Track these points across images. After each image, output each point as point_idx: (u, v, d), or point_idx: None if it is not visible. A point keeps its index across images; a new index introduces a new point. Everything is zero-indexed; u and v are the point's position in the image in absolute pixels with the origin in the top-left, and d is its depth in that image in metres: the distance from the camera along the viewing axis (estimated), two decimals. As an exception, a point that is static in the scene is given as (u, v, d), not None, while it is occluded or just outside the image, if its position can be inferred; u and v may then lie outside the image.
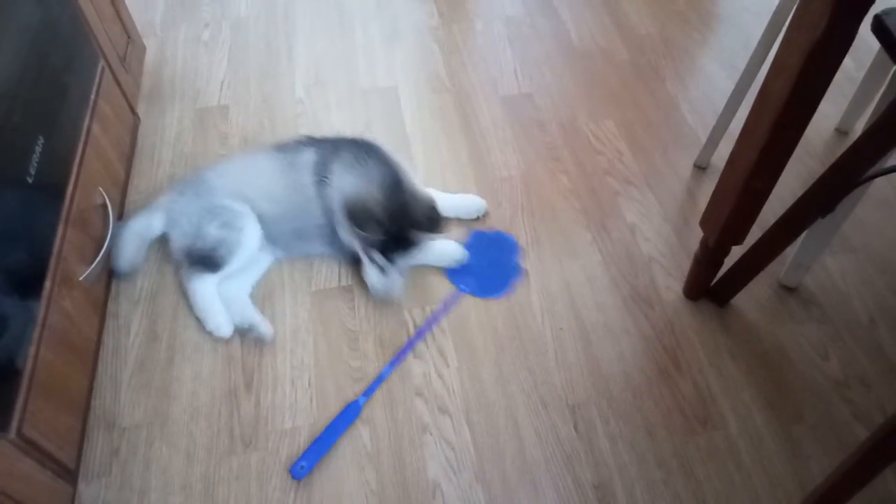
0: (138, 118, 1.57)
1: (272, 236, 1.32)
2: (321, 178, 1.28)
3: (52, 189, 1.07)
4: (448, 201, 1.42)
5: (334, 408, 1.17)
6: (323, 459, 1.11)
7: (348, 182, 1.25)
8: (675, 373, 1.23)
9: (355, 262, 1.32)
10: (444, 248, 1.34)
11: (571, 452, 1.13)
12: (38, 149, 1.01)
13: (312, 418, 1.16)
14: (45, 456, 0.92)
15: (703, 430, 1.16)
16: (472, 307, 1.31)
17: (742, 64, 1.43)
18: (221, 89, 1.72)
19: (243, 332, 1.25)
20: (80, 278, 1.09)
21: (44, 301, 0.97)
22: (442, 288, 1.35)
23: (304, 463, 1.09)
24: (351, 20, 1.94)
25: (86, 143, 1.19)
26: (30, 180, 0.98)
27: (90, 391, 1.14)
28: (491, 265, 1.38)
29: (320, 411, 1.17)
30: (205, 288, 1.25)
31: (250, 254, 1.28)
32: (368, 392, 1.19)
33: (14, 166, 0.96)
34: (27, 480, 0.87)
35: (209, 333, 1.24)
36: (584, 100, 1.74)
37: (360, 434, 1.14)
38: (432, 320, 1.29)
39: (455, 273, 1.36)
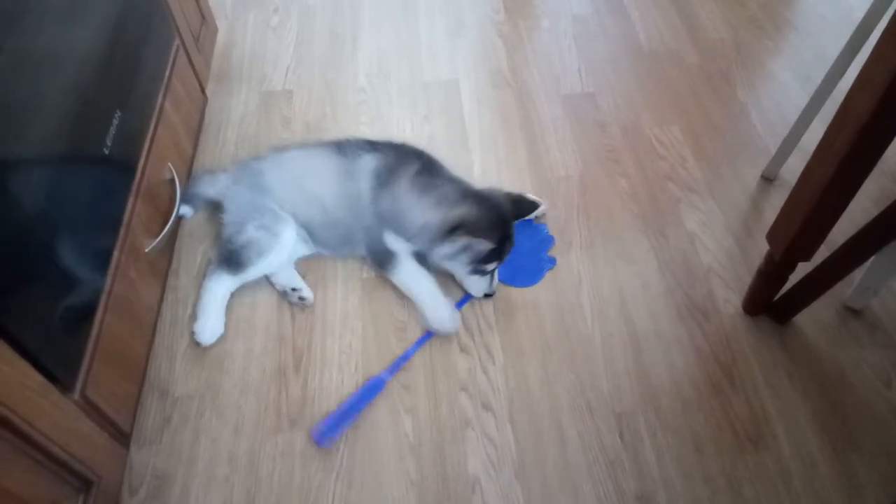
0: (207, 98, 1.61)
1: (318, 238, 1.32)
2: (380, 186, 1.26)
3: (125, 162, 1.10)
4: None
5: (380, 393, 1.18)
6: (365, 446, 1.12)
7: (422, 203, 1.23)
8: (728, 388, 1.20)
9: (380, 261, 1.30)
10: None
11: (615, 460, 1.12)
12: (115, 122, 1.04)
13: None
14: (104, 419, 0.96)
15: (754, 450, 1.13)
16: (520, 307, 1.31)
17: (816, 74, 1.38)
18: (287, 74, 1.75)
19: (287, 294, 1.28)
20: (146, 250, 1.13)
21: (112, 269, 1.00)
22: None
23: (324, 428, 1.12)
24: (416, 11, 1.95)
25: (158, 119, 1.23)
26: (106, 152, 1.02)
27: (147, 360, 1.17)
28: (522, 253, 1.36)
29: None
30: (217, 289, 1.25)
31: (277, 263, 1.28)
32: (393, 368, 1.20)
33: (93, 138, 1.00)
34: (87, 441, 0.90)
35: (192, 333, 1.22)
36: (648, 103, 1.70)
37: (403, 423, 1.15)
38: (460, 304, 1.30)
39: None
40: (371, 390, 1.17)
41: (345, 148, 1.33)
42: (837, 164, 0.96)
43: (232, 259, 1.25)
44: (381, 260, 1.30)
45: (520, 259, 1.36)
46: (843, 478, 1.10)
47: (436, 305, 1.25)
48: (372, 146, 1.32)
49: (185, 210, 1.37)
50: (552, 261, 1.38)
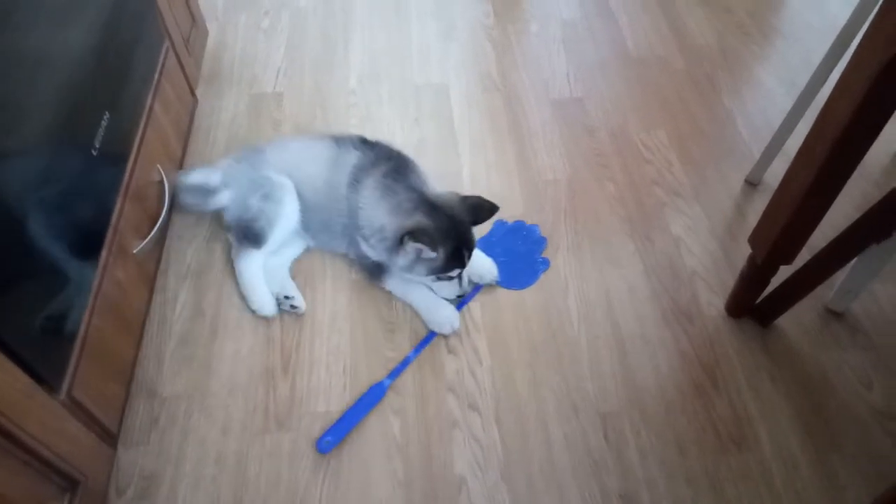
0: (196, 100, 1.61)
1: (305, 223, 1.34)
2: (354, 181, 1.29)
3: (113, 163, 1.11)
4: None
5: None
6: (353, 447, 1.13)
7: (378, 207, 1.25)
8: (711, 390, 1.22)
9: (370, 271, 1.32)
10: (479, 264, 1.33)
11: (600, 461, 1.13)
12: (103, 123, 1.04)
13: (345, 404, 1.18)
14: (91, 419, 0.96)
15: (737, 451, 1.15)
16: (508, 308, 1.32)
17: (802, 81, 1.40)
18: (277, 76, 1.76)
19: (279, 302, 1.29)
20: (134, 251, 1.13)
21: (99, 270, 1.00)
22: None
23: (329, 438, 1.12)
24: (407, 15, 1.96)
25: (147, 120, 1.23)
26: (94, 153, 1.02)
27: (135, 361, 1.17)
28: (515, 255, 1.39)
29: (353, 397, 1.19)
30: (250, 266, 1.29)
31: (290, 226, 1.31)
32: (393, 374, 1.21)
33: (81, 138, 1.00)
34: (74, 441, 0.90)
35: (253, 312, 1.27)
36: (636, 108, 1.72)
37: (391, 424, 1.16)
38: (460, 306, 1.31)
39: None
40: (373, 397, 1.17)
41: (342, 141, 1.36)
42: (817, 169, 0.98)
43: (249, 234, 1.29)
44: (371, 270, 1.32)
45: (514, 262, 1.38)
46: (825, 479, 1.12)
47: (433, 307, 1.27)
48: (363, 143, 1.35)
49: (186, 207, 1.38)
50: (546, 262, 1.39)
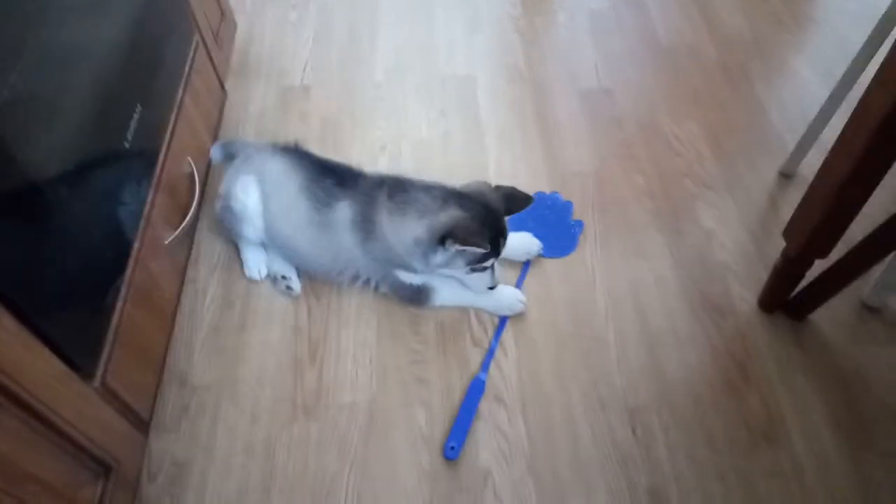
0: (226, 93, 1.63)
1: (310, 269, 1.32)
2: (365, 231, 1.20)
3: (145, 156, 1.13)
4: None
5: (394, 386, 1.19)
6: (379, 437, 1.13)
7: (406, 221, 1.17)
8: (742, 386, 1.20)
9: (411, 298, 1.28)
10: (521, 241, 1.34)
11: (627, 456, 1.12)
12: (135, 116, 1.06)
13: (371, 394, 1.19)
14: (124, 406, 0.98)
15: (768, 447, 1.13)
16: (533, 301, 1.31)
17: (837, 70, 1.36)
18: (305, 70, 1.77)
19: (276, 280, 1.31)
20: (166, 242, 1.15)
21: (132, 261, 1.02)
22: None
23: (453, 443, 1.12)
24: (433, 7, 1.95)
25: (178, 114, 1.24)
26: (126, 146, 1.04)
27: (166, 350, 1.19)
28: (548, 226, 1.40)
29: (379, 388, 1.19)
30: (241, 245, 1.35)
31: (252, 232, 1.30)
32: (485, 367, 1.21)
33: (114, 131, 1.02)
34: (107, 427, 0.92)
35: (248, 278, 1.33)
36: (665, 98, 1.69)
37: (417, 416, 1.16)
38: (519, 281, 1.33)
39: None
40: (477, 393, 1.18)
41: (315, 190, 1.23)
42: (855, 160, 0.95)
43: (229, 231, 1.34)
44: (412, 297, 1.28)
45: (549, 231, 1.39)
46: (858, 476, 1.09)
47: (496, 296, 1.27)
48: (343, 186, 1.23)
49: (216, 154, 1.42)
50: (580, 224, 1.41)
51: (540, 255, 1.36)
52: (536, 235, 1.37)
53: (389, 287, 1.28)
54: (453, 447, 1.12)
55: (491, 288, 1.25)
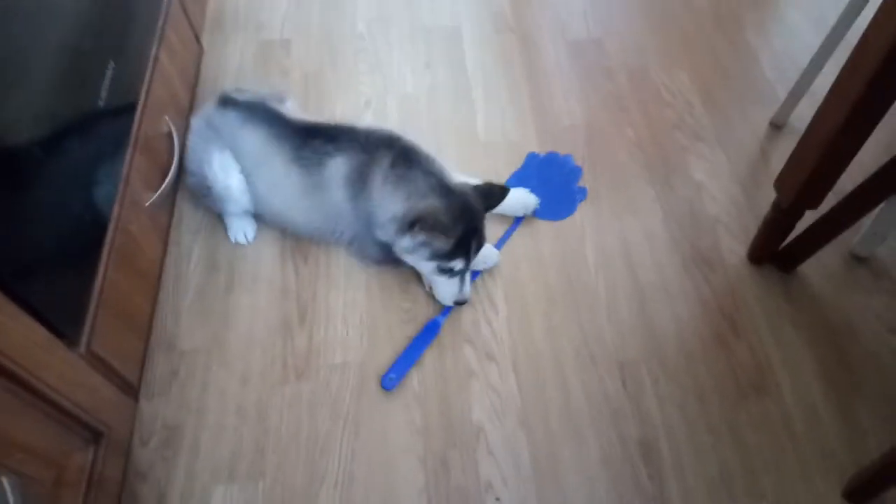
0: (202, 48, 1.57)
1: (304, 234, 1.30)
2: (356, 188, 1.17)
3: (121, 114, 1.08)
4: None
5: (385, 345, 1.19)
6: (371, 397, 1.13)
7: (394, 196, 1.15)
8: (731, 338, 1.20)
9: (383, 262, 1.26)
10: (520, 197, 1.32)
11: (618, 409, 1.13)
12: (108, 73, 1.01)
13: (362, 355, 1.18)
14: (111, 371, 0.97)
15: (757, 398, 1.14)
16: (524, 257, 1.30)
17: (830, 16, 1.33)
18: (284, 22, 1.70)
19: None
20: (146, 204, 1.12)
21: (112, 223, 0.99)
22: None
23: (393, 375, 1.14)
24: (417, -46, 1.88)
25: (153, 70, 1.20)
26: (101, 104, 0.99)
27: (152, 314, 1.18)
28: (552, 187, 1.38)
29: (370, 348, 1.19)
30: (224, 214, 1.31)
31: (241, 213, 1.29)
32: (445, 312, 1.22)
33: (87, 90, 0.97)
34: (95, 393, 0.91)
35: (234, 242, 1.30)
36: (656, 47, 1.66)
37: (409, 375, 1.16)
38: (499, 244, 1.31)
39: None
40: (429, 333, 1.19)
41: (305, 154, 1.19)
42: (851, 108, 0.93)
43: (210, 205, 1.29)
44: (380, 257, 1.25)
45: (551, 193, 1.36)
46: (847, 424, 1.11)
47: (442, 284, 1.21)
48: (335, 143, 1.18)
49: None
50: (583, 192, 1.38)
51: (533, 215, 1.34)
52: (536, 193, 1.35)
53: (358, 250, 1.27)
54: (392, 378, 1.14)
55: (458, 303, 1.19)
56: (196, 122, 1.28)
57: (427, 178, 1.15)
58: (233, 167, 1.23)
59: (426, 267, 1.18)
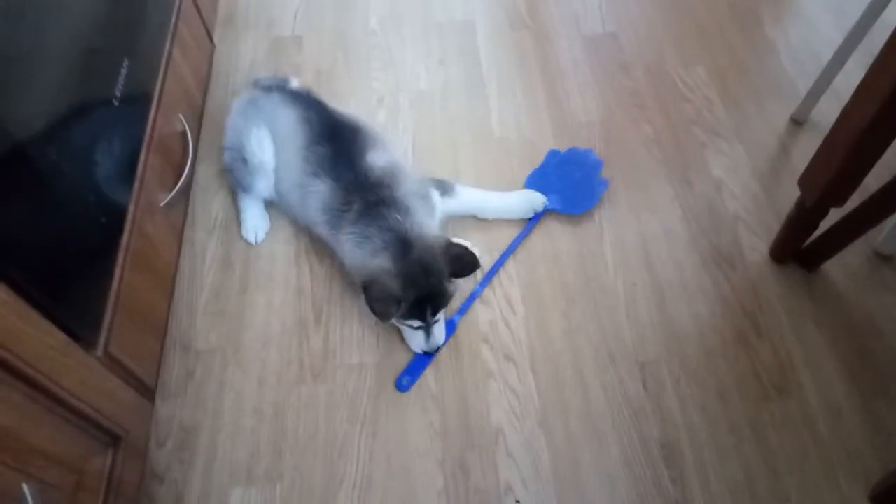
0: (214, 45, 1.55)
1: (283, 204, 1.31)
2: (331, 220, 1.17)
3: (135, 113, 1.07)
4: (498, 202, 1.30)
5: (400, 346, 1.17)
6: (389, 398, 1.12)
7: (356, 248, 1.13)
8: (753, 337, 1.18)
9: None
10: (525, 198, 1.30)
11: (639, 410, 1.11)
12: (123, 71, 1.00)
13: (379, 356, 1.17)
14: (129, 374, 0.96)
15: (780, 398, 1.12)
16: (541, 257, 1.28)
17: (850, 9, 1.31)
18: (295, 19, 1.69)
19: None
20: (161, 204, 1.11)
21: (128, 224, 0.98)
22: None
23: (407, 377, 1.14)
24: (428, -51, 1.85)
25: (167, 67, 1.18)
26: (115, 103, 0.98)
27: (168, 315, 1.17)
28: (573, 182, 1.36)
29: (386, 349, 1.17)
30: (245, 201, 1.31)
31: (265, 195, 1.29)
32: (462, 311, 1.20)
33: (101, 88, 0.96)
34: (113, 396, 0.90)
35: (244, 238, 1.30)
36: (673, 42, 1.63)
37: (426, 376, 1.15)
38: (517, 241, 1.29)
39: (538, 191, 1.34)
40: (446, 333, 1.17)
41: (310, 153, 1.20)
42: (879, 107, 0.91)
43: (238, 182, 1.30)
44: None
45: (572, 187, 1.35)
46: (871, 425, 1.09)
47: (410, 335, 1.16)
48: (334, 160, 1.18)
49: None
50: (605, 183, 1.36)
51: (554, 210, 1.33)
52: (558, 190, 1.33)
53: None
54: (406, 381, 1.13)
55: (427, 353, 1.14)
56: (238, 103, 1.33)
57: (387, 233, 1.10)
58: (269, 144, 1.26)
59: (396, 322, 1.13)
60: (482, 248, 1.27)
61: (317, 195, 1.18)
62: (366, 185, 1.16)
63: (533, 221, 1.32)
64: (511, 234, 1.30)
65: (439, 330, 1.13)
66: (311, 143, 1.21)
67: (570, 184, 1.36)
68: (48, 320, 0.76)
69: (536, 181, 1.37)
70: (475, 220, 1.31)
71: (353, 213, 1.14)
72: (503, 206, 1.31)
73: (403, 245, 1.09)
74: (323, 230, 1.21)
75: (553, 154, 1.41)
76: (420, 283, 1.07)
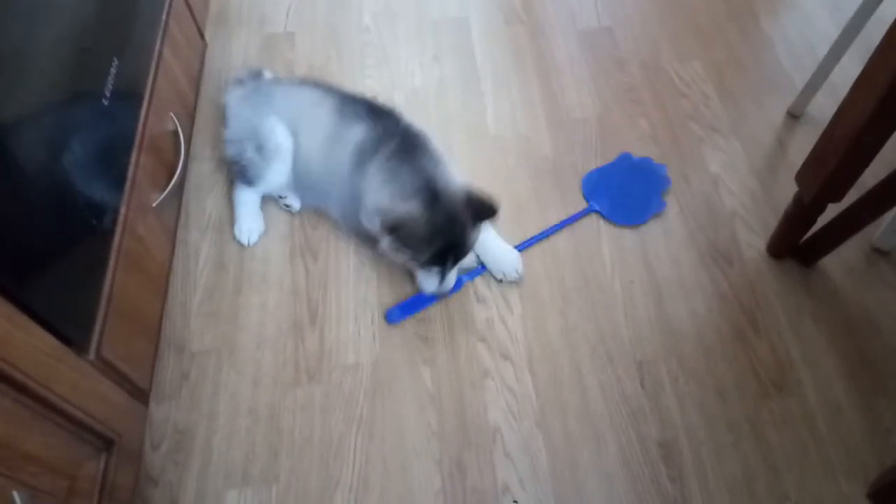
0: (206, 43, 1.54)
1: (296, 181, 1.29)
2: (359, 163, 1.18)
3: (126, 113, 1.06)
4: (492, 242, 1.24)
5: (398, 345, 1.17)
6: (385, 397, 1.11)
7: (383, 187, 1.13)
8: (751, 334, 1.18)
9: (369, 242, 1.23)
10: (503, 257, 1.24)
11: (637, 409, 1.11)
12: (112, 70, 0.99)
13: (375, 355, 1.16)
14: (122, 377, 0.95)
15: (778, 396, 1.12)
16: (538, 255, 1.27)
17: (845, 3, 1.30)
18: (288, 15, 1.67)
19: (276, 200, 1.32)
20: (154, 205, 1.10)
21: (119, 226, 0.97)
22: (571, 199, 1.34)
23: (398, 313, 1.19)
24: (422, -56, 1.84)
25: (157, 66, 1.17)
26: (105, 103, 0.97)
27: (161, 316, 1.15)
28: (630, 192, 1.34)
29: (382, 349, 1.17)
30: (243, 196, 1.29)
31: (277, 183, 1.27)
32: (473, 274, 1.24)
33: (91, 87, 0.95)
34: (105, 400, 0.89)
35: (236, 239, 1.28)
36: (669, 37, 1.62)
37: (422, 375, 1.14)
38: (553, 229, 1.29)
39: (591, 189, 1.34)
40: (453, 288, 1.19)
41: (347, 107, 1.23)
42: (877, 102, 0.90)
43: (243, 175, 1.27)
44: (366, 237, 1.23)
45: (629, 196, 1.33)
46: (870, 422, 1.09)
47: (424, 276, 1.17)
48: (368, 114, 1.22)
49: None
50: (662, 204, 1.33)
51: (599, 213, 1.32)
52: (613, 195, 1.33)
53: (348, 224, 1.27)
54: (395, 312, 1.18)
55: (435, 294, 1.17)
56: (233, 96, 1.34)
57: (418, 177, 1.12)
58: (283, 129, 1.25)
59: (409, 263, 1.16)
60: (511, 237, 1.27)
61: (350, 141, 1.19)
62: (404, 131, 1.20)
63: (572, 219, 1.31)
64: (540, 224, 1.31)
65: (453, 274, 1.15)
66: (346, 100, 1.25)
67: (627, 192, 1.33)
68: (39, 325, 0.75)
69: (596, 177, 1.36)
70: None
71: (387, 150, 1.16)
72: (493, 249, 1.24)
73: (433, 193, 1.10)
74: (345, 176, 1.19)
75: (625, 157, 1.39)
76: (446, 232, 1.09)
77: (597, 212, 1.32)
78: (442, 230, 1.08)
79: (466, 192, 1.12)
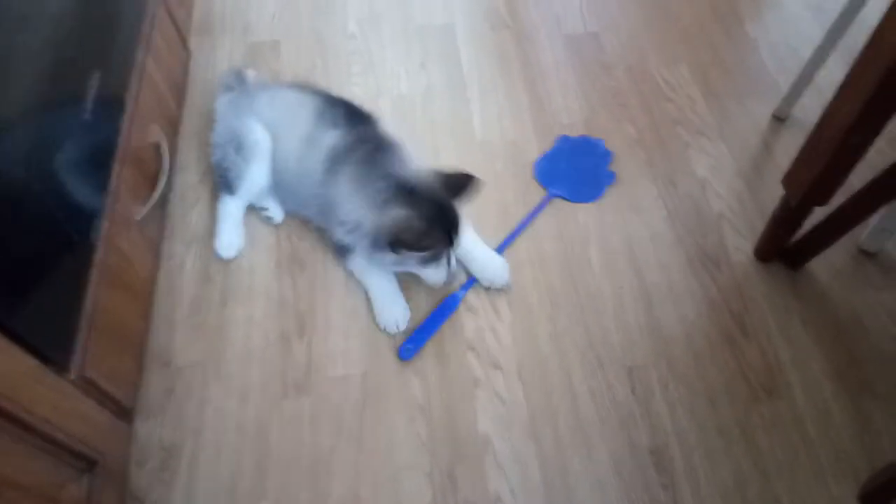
0: (189, 52, 1.52)
1: (275, 186, 1.28)
2: (331, 168, 1.17)
3: (107, 125, 1.04)
4: (480, 252, 1.24)
5: (387, 356, 1.16)
6: (374, 408, 1.10)
7: (355, 200, 1.13)
8: (741, 338, 1.18)
9: (339, 251, 1.23)
10: (489, 265, 1.23)
11: (627, 415, 1.10)
12: (93, 84, 0.97)
13: (363, 367, 1.15)
14: (104, 396, 0.93)
15: (768, 399, 1.12)
16: (526, 261, 1.27)
17: (828, 4, 1.31)
18: (273, 23, 1.66)
19: (257, 211, 1.31)
20: (137, 218, 1.08)
21: (101, 241, 0.95)
22: (529, 195, 1.34)
23: (410, 345, 1.15)
24: (406, -50, 1.83)
25: (140, 78, 1.15)
26: (86, 116, 0.95)
27: (146, 331, 1.14)
28: (580, 170, 1.37)
29: (371, 360, 1.15)
30: (225, 208, 1.28)
31: (257, 186, 1.26)
32: (466, 286, 1.22)
33: (71, 100, 0.93)
34: (87, 420, 0.88)
35: (216, 253, 1.26)
36: (654, 41, 1.62)
37: (411, 386, 1.13)
38: (521, 226, 1.30)
39: (545, 177, 1.36)
40: (447, 308, 1.19)
41: (325, 113, 1.23)
42: (862, 105, 0.90)
43: (224, 182, 1.27)
44: (337, 249, 1.24)
45: (579, 175, 1.36)
46: (859, 424, 1.09)
47: (384, 304, 1.19)
48: (345, 119, 1.21)
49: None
50: (611, 176, 1.37)
51: (560, 197, 1.34)
52: (566, 177, 1.36)
53: (325, 230, 1.26)
54: (409, 348, 1.15)
55: (446, 283, 1.17)
56: (223, 100, 1.35)
57: (383, 182, 1.12)
58: (262, 128, 1.26)
59: (414, 268, 1.16)
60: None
61: (324, 146, 1.19)
62: (376, 137, 1.20)
63: (538, 209, 1.32)
64: (509, 223, 1.30)
65: (454, 259, 1.15)
66: (328, 103, 1.25)
67: (577, 171, 1.37)
68: (15, 344, 0.73)
69: (546, 164, 1.38)
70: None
71: (356, 157, 1.16)
72: (479, 257, 1.23)
73: (408, 189, 1.10)
74: (318, 188, 1.19)
75: (564, 139, 1.42)
76: (441, 218, 1.09)
77: (558, 196, 1.33)
78: (436, 218, 1.09)
79: (437, 173, 1.14)
